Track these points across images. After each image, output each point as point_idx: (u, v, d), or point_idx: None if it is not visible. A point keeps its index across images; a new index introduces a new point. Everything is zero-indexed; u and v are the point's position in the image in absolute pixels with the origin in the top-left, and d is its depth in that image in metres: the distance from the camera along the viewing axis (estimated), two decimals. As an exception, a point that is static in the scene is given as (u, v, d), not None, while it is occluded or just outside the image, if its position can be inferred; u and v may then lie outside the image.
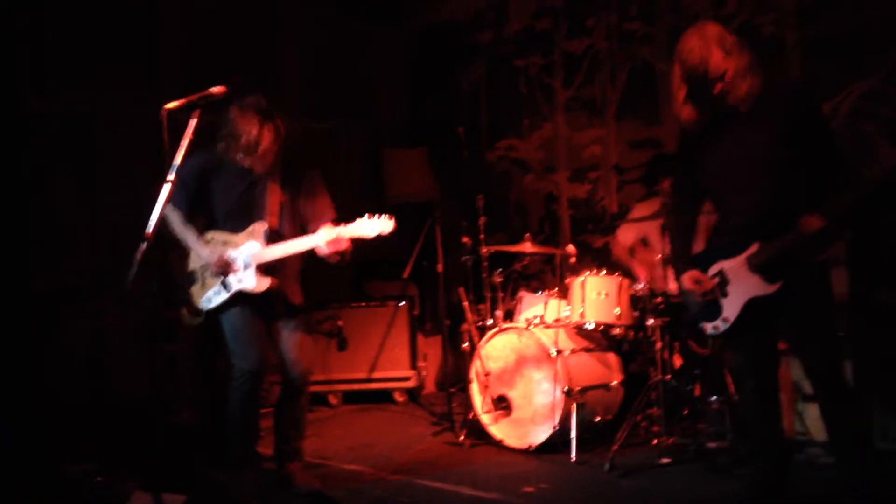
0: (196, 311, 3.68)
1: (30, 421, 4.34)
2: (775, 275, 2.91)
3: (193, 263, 3.71)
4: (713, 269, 3.06)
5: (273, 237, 3.58)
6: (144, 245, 2.86)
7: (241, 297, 3.59)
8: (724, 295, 3.03)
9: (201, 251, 3.61)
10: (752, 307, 2.97)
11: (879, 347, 3.82)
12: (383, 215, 3.42)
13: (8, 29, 4.65)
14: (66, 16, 5.01)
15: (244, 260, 3.56)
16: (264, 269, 3.56)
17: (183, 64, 5.63)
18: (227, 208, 3.65)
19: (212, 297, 3.63)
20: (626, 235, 5.12)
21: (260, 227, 3.58)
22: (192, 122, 3.09)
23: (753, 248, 2.95)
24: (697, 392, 4.29)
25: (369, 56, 7.14)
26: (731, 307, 3.01)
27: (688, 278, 3.12)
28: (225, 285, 3.60)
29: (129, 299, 3.46)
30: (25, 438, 4.20)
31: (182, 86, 3.12)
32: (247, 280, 3.55)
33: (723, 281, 3.03)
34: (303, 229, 3.67)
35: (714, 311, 3.06)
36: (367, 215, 3.42)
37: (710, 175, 3.10)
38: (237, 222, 3.62)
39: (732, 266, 3.01)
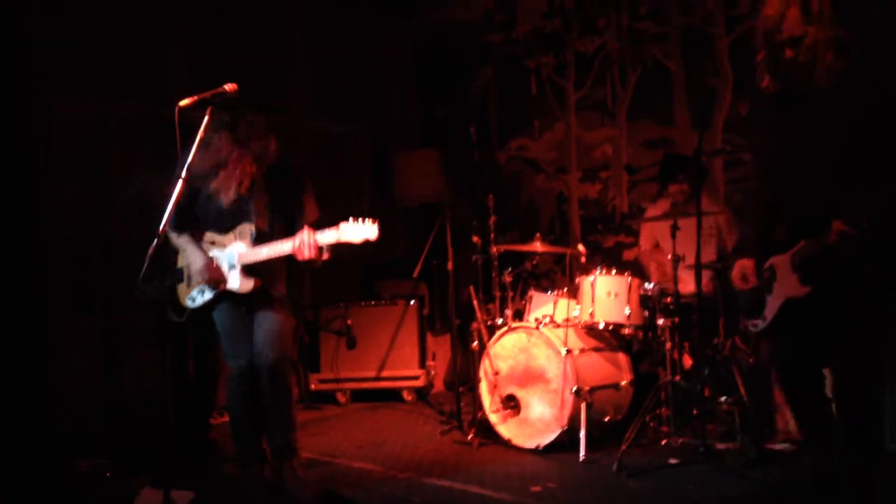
0: (180, 310, 3.68)
1: (41, 418, 4.37)
2: (809, 277, 2.75)
3: (182, 261, 3.71)
4: (768, 263, 2.91)
5: (260, 238, 3.57)
6: (156, 242, 2.89)
7: (225, 295, 3.61)
8: (770, 291, 2.89)
9: (194, 258, 3.59)
10: (788, 308, 2.83)
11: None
12: (367, 220, 3.34)
13: (22, 36, 4.69)
14: (74, 22, 5.03)
15: (229, 261, 3.59)
16: (248, 269, 3.57)
17: (191, 70, 5.65)
18: (216, 209, 3.63)
19: (196, 296, 3.64)
20: (645, 239, 5.12)
21: (247, 229, 3.58)
22: (206, 120, 3.12)
23: (799, 246, 2.78)
24: (707, 393, 4.27)
25: (378, 58, 7.15)
26: (771, 305, 2.89)
27: (738, 266, 2.98)
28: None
29: (140, 296, 3.47)
30: (36, 435, 4.23)
31: (190, 92, 3.14)
32: (232, 281, 3.57)
33: (771, 276, 2.88)
34: (291, 230, 3.61)
35: (758, 308, 2.94)
36: (351, 219, 3.36)
37: (776, 158, 2.89)
38: (225, 223, 3.63)
39: (781, 262, 2.85)
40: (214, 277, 3.55)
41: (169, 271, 3.70)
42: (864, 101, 2.67)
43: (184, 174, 3.00)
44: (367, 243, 3.34)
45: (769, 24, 2.66)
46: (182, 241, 3.64)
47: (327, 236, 3.38)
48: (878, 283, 2.74)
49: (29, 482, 3.81)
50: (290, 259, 3.58)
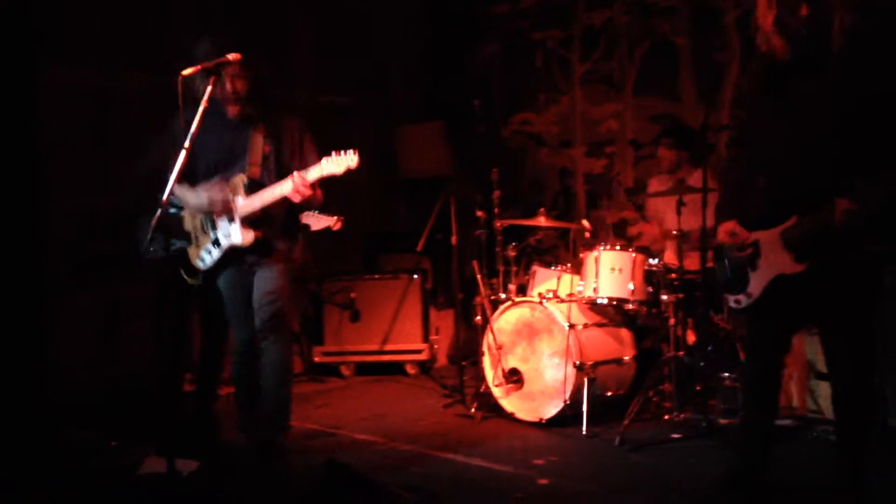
0: (193, 272, 3.67)
1: (43, 388, 4.39)
2: (805, 254, 2.70)
3: (187, 224, 3.69)
4: (750, 239, 2.85)
5: (255, 188, 3.51)
6: (159, 212, 2.87)
7: (231, 259, 3.57)
8: (754, 268, 2.84)
9: (198, 198, 3.51)
10: (776, 285, 2.79)
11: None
12: (348, 151, 3.33)
13: (23, 5, 4.64)
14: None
15: (228, 215, 3.53)
16: (249, 221, 3.51)
17: (192, 39, 5.58)
18: (211, 162, 3.57)
19: (204, 255, 3.62)
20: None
21: (239, 180, 3.53)
22: (208, 89, 3.09)
23: (790, 222, 2.73)
24: (710, 368, 4.28)
25: (383, 30, 7.08)
26: (756, 282, 2.83)
27: (723, 230, 2.91)
28: (215, 243, 3.59)
29: (150, 256, 3.46)
30: (39, 405, 4.25)
31: (191, 60, 3.12)
32: (234, 235, 3.52)
33: (755, 252, 2.82)
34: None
35: (741, 283, 2.88)
36: (333, 153, 3.35)
37: (771, 130, 2.81)
38: (221, 176, 3.55)
39: (767, 238, 2.80)
40: (222, 205, 3.48)
41: (173, 236, 3.66)
42: (874, 66, 2.60)
43: (187, 145, 2.97)
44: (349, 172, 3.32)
45: None
46: (182, 191, 3.55)
47: (311, 173, 3.38)
48: (878, 261, 2.73)
49: (30, 451, 3.83)
50: (295, 215, 3.56)
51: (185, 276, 3.70)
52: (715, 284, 3.69)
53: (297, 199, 3.42)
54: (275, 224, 3.62)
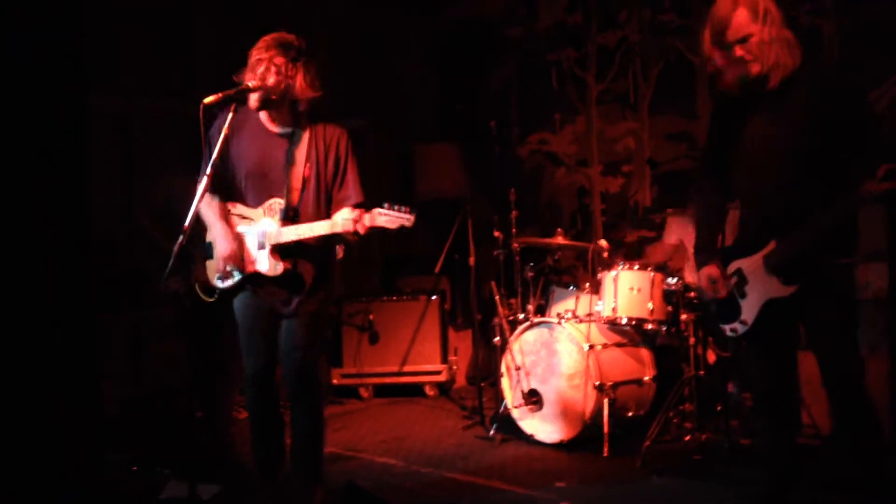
0: (209, 289, 3.37)
1: (67, 410, 4.42)
2: (793, 276, 2.76)
3: (210, 235, 3.34)
4: (732, 267, 2.92)
5: (290, 216, 3.19)
6: (181, 238, 2.89)
7: (252, 284, 3.26)
8: (742, 296, 2.88)
9: (219, 241, 3.22)
10: (770, 309, 2.83)
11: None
12: (402, 207, 3.07)
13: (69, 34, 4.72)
14: (100, 20, 5.06)
15: (258, 239, 3.22)
16: (279, 251, 3.19)
17: (214, 67, 5.67)
18: (245, 174, 3.26)
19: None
20: (669, 235, 5.10)
21: (278, 204, 3.19)
22: (229, 116, 3.12)
23: (770, 247, 2.79)
24: (731, 388, 4.25)
25: (399, 52, 7.14)
26: (749, 309, 2.87)
27: (704, 275, 2.96)
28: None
29: (163, 288, 3.35)
30: (62, 428, 4.28)
31: (214, 88, 3.08)
32: (260, 262, 3.20)
33: (741, 280, 2.88)
34: (328, 209, 3.26)
35: (732, 312, 2.92)
36: (386, 205, 3.07)
37: (735, 162, 2.92)
38: (256, 193, 3.23)
39: (750, 265, 2.85)
40: (231, 265, 3.21)
41: (198, 252, 3.42)
42: (816, 96, 2.73)
43: (209, 171, 3.00)
44: (403, 232, 3.15)
45: (722, 25, 2.73)
46: (210, 217, 3.26)
47: (364, 221, 3.09)
48: (850, 272, 2.83)
49: (56, 475, 3.85)
50: (332, 247, 3.35)
51: (200, 293, 3.39)
52: (707, 317, 3.72)
53: (349, 233, 3.11)
54: (307, 257, 3.26)
